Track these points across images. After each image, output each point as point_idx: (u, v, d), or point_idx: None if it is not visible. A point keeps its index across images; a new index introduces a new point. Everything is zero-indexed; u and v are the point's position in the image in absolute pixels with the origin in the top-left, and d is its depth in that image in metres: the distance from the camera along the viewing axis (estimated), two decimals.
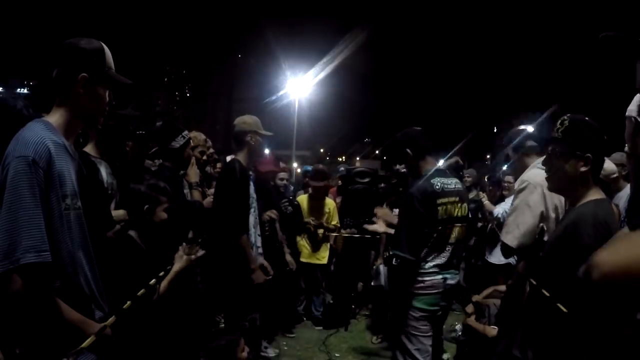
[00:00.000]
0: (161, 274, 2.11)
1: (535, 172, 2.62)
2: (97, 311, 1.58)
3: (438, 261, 2.81)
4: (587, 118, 1.91)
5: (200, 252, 2.41)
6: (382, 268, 4.57)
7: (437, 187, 2.79)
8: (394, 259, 2.89)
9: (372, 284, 4.84)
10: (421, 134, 3.00)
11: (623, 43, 1.17)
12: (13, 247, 1.32)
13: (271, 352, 4.30)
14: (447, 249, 2.84)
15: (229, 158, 3.65)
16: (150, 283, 1.97)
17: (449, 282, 2.86)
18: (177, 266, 2.30)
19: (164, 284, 2.20)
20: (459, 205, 2.89)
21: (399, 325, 2.84)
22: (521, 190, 2.63)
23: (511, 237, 2.61)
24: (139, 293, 1.80)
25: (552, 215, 2.56)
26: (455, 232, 2.87)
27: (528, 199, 2.57)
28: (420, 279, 2.78)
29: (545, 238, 2.60)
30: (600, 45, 1.21)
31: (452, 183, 2.90)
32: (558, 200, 2.52)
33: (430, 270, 2.79)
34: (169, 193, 2.40)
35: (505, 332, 2.90)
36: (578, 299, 1.56)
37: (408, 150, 2.93)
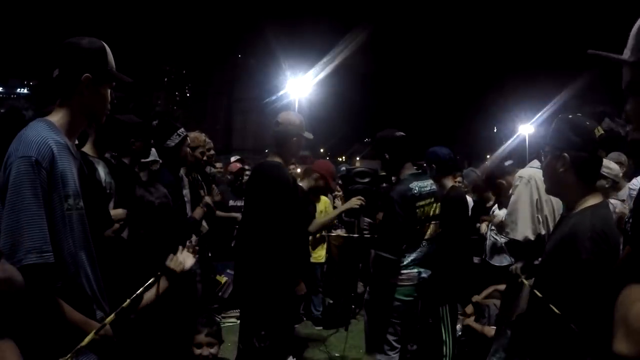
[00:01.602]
0: (139, 290, 1.90)
1: (528, 169, 2.85)
2: (98, 311, 1.58)
3: (414, 256, 3.05)
4: (570, 116, 1.79)
5: (189, 263, 2.16)
6: None
7: (415, 191, 3.01)
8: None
9: None
10: (400, 140, 3.13)
11: (605, 59, 1.17)
12: (15, 248, 1.32)
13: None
14: (422, 244, 3.08)
15: (232, 161, 3.49)
16: (125, 303, 1.75)
17: (423, 275, 3.09)
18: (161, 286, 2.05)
19: (148, 296, 2.02)
20: (434, 205, 3.14)
21: (379, 311, 3.09)
22: (515, 187, 2.82)
23: (514, 232, 2.77)
24: (124, 304, 1.71)
25: (545, 207, 2.66)
26: (430, 230, 3.11)
27: (521, 193, 2.76)
28: (399, 272, 3.02)
29: (543, 232, 2.67)
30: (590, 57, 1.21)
31: (428, 185, 3.13)
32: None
33: (407, 264, 3.03)
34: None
35: (501, 333, 2.98)
36: (576, 309, 1.57)
37: (386, 155, 3.12)
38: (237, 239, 3.36)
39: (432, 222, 3.13)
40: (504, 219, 2.97)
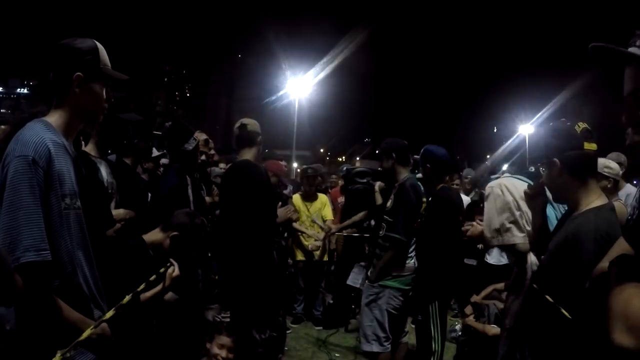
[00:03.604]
0: (139, 287, 1.92)
1: (496, 179, 2.82)
2: (96, 311, 1.58)
3: (412, 247, 3.41)
4: (550, 124, 1.87)
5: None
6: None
7: (421, 187, 3.44)
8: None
9: None
10: (407, 146, 3.59)
11: (612, 53, 1.14)
12: (13, 246, 1.32)
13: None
14: (415, 237, 3.43)
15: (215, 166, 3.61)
16: (124, 300, 1.74)
17: (415, 265, 3.43)
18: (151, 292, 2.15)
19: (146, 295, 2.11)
20: (424, 204, 3.52)
21: (379, 302, 3.33)
22: (487, 197, 2.73)
23: (506, 238, 2.68)
24: (124, 301, 1.72)
25: (522, 205, 2.62)
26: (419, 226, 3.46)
27: (493, 202, 2.66)
28: (404, 261, 3.34)
29: (528, 228, 2.63)
30: (591, 54, 1.17)
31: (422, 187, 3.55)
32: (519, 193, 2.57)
33: (410, 255, 3.39)
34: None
35: (506, 335, 2.96)
36: (579, 310, 1.56)
37: (393, 154, 3.48)
38: (217, 240, 3.43)
39: (420, 219, 3.48)
40: (484, 232, 2.87)
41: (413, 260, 3.40)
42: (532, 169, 2.96)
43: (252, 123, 3.40)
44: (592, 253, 1.58)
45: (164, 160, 4.11)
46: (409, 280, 3.37)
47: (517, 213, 2.60)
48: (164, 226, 2.39)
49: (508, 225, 2.63)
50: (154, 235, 2.37)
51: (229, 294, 3.17)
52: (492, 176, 3.35)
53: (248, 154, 3.28)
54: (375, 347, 3.29)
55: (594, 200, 1.74)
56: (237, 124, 3.40)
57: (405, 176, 3.44)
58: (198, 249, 2.49)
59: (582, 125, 1.76)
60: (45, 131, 1.49)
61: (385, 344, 3.30)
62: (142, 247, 2.30)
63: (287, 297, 5.19)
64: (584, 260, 1.59)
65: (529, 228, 2.65)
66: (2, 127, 2.52)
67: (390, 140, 3.60)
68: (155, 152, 4.15)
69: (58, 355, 1.34)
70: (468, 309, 3.98)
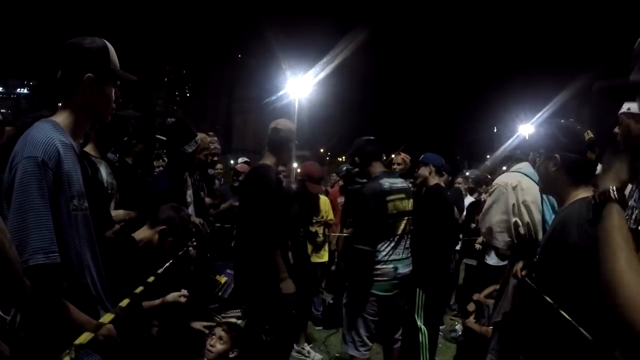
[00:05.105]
0: (137, 289, 1.99)
1: (506, 175, 2.88)
2: (102, 312, 1.58)
3: (388, 250, 3.16)
4: (562, 120, 1.94)
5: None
6: None
7: (385, 186, 3.16)
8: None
9: None
10: (367, 142, 3.35)
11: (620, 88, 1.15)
12: (22, 248, 1.31)
13: (317, 357, 4.39)
14: (394, 239, 3.20)
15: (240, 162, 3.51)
16: (123, 302, 1.78)
17: (400, 271, 3.20)
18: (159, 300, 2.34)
19: (147, 304, 2.23)
20: (406, 200, 3.28)
21: (354, 306, 3.21)
22: (490, 194, 2.87)
23: (494, 240, 2.79)
24: (122, 303, 1.73)
25: (525, 212, 2.69)
26: (402, 225, 3.24)
27: (495, 200, 2.78)
28: (374, 267, 3.13)
29: (522, 231, 2.69)
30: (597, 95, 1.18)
31: (399, 182, 3.31)
32: (531, 196, 2.67)
33: (381, 258, 3.15)
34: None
35: (499, 329, 3.00)
36: (570, 298, 1.62)
37: (356, 159, 3.33)
38: (235, 239, 3.40)
39: (405, 217, 3.26)
40: (479, 223, 2.96)
41: (392, 265, 3.17)
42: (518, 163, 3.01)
43: (285, 129, 3.16)
44: (576, 237, 1.66)
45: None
46: (388, 286, 3.17)
47: (513, 219, 2.68)
48: (152, 222, 2.39)
49: (501, 228, 2.74)
50: (143, 233, 2.37)
51: (243, 294, 3.14)
52: (500, 155, 3.32)
53: (270, 159, 3.12)
54: (350, 350, 3.22)
55: (580, 193, 1.82)
56: (272, 125, 3.20)
57: (374, 174, 3.26)
58: (187, 241, 2.51)
59: (590, 134, 1.85)
60: (53, 131, 1.48)
61: (361, 349, 3.18)
62: (133, 245, 2.30)
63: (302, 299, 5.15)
64: (568, 243, 1.67)
65: (523, 232, 2.69)
66: (7, 128, 2.52)
67: (354, 143, 3.41)
68: None
69: None
70: (470, 306, 3.98)
